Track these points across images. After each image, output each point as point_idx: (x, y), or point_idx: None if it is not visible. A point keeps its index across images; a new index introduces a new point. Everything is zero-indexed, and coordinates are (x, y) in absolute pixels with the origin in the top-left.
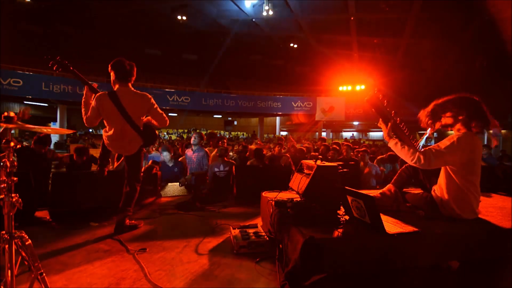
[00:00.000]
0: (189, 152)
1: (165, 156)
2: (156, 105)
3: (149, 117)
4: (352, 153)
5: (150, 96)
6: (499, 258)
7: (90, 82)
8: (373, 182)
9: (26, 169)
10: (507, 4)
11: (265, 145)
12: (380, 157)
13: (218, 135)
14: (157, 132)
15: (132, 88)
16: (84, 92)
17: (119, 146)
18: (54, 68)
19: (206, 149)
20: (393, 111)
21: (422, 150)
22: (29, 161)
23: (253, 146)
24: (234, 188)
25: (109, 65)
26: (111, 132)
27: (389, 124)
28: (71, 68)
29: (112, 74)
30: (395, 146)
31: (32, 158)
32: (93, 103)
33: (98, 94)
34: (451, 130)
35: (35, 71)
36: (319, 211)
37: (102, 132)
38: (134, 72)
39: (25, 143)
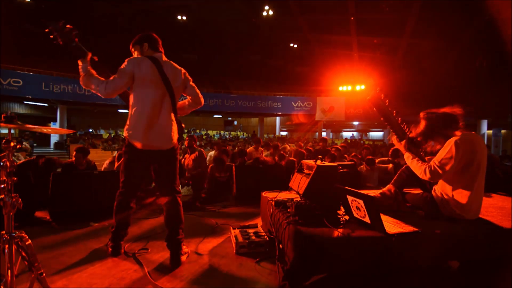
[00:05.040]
0: (186, 155)
1: None
2: (191, 80)
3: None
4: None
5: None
6: (499, 258)
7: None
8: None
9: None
10: (507, 4)
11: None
12: (379, 159)
13: (218, 135)
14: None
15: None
16: (87, 63)
17: (154, 132)
18: (56, 40)
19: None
20: (394, 111)
21: (428, 163)
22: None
23: (251, 149)
24: (234, 188)
25: (137, 37)
26: (146, 108)
27: (404, 141)
28: (76, 39)
29: (144, 46)
30: (409, 160)
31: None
32: (125, 67)
33: (132, 58)
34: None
35: (35, 71)
36: (319, 211)
37: (126, 127)
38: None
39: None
